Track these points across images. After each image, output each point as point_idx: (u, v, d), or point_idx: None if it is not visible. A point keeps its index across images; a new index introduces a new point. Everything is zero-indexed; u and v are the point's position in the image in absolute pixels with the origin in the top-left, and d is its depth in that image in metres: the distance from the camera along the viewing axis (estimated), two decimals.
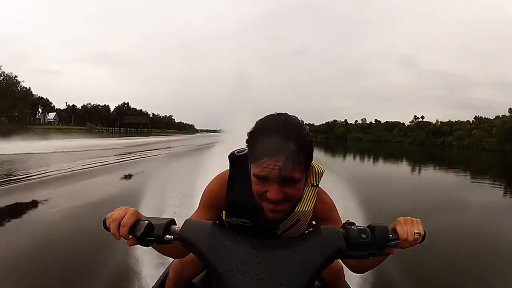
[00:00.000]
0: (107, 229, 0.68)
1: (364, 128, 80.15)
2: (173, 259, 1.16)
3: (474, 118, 57.67)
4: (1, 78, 44.93)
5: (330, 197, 0.95)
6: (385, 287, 2.56)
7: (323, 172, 0.92)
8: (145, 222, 0.66)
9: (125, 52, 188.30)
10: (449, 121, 61.10)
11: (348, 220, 0.71)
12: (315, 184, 0.90)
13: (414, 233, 0.68)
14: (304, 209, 0.88)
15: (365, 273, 0.93)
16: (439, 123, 62.02)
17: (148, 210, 3.53)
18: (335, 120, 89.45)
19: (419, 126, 63.53)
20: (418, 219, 0.71)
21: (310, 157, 0.69)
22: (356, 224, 0.68)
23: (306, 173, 0.70)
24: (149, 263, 2.50)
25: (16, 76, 46.99)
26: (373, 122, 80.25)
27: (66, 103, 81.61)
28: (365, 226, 0.68)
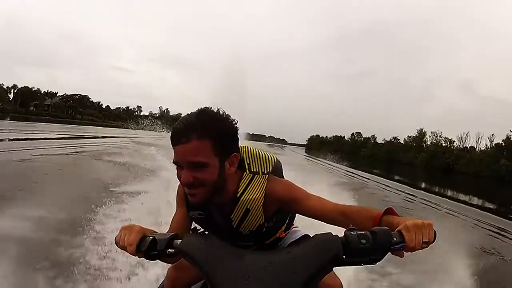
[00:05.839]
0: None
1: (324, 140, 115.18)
2: (168, 268, 1.19)
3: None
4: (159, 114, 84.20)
5: (288, 180, 0.96)
6: None
7: (275, 161, 0.95)
8: (150, 238, 0.72)
9: (194, 57, 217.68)
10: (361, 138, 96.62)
11: (350, 225, 0.69)
12: (265, 172, 0.90)
13: (423, 242, 0.63)
14: (251, 197, 0.87)
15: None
16: (350, 139, 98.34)
17: None
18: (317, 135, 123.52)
19: (335, 138, 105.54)
20: (430, 222, 0.65)
21: (221, 144, 0.75)
22: (357, 230, 0.67)
23: (220, 159, 0.76)
24: None
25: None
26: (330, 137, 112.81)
27: (160, 108, 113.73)
28: (367, 231, 0.67)
